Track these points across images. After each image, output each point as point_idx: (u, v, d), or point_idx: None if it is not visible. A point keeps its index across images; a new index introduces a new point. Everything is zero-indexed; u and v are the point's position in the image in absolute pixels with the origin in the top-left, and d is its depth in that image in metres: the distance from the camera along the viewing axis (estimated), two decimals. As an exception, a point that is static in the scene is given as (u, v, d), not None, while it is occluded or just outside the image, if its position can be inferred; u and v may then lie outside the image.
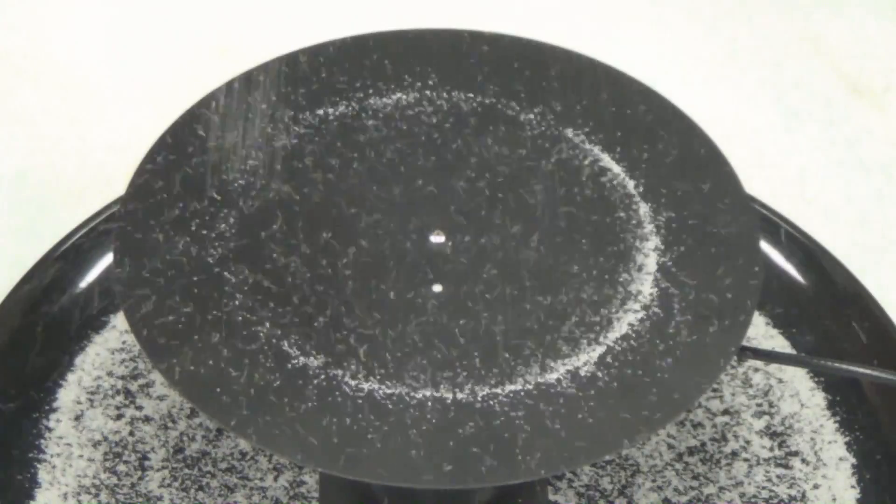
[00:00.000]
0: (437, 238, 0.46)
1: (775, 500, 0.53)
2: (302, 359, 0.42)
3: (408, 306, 0.44)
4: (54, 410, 0.55)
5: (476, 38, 0.54)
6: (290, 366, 0.41)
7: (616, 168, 0.49)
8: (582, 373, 0.42)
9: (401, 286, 0.44)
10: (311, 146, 0.49)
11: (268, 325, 0.43)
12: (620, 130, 0.50)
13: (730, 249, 0.46)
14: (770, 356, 0.53)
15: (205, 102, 0.50)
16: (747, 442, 0.55)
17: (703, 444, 0.55)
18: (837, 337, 0.59)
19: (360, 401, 0.41)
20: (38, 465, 0.53)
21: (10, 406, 0.54)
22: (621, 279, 0.45)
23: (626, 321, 0.43)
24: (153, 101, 0.73)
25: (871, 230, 0.67)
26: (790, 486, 0.54)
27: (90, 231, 0.60)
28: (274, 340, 0.42)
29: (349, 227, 0.46)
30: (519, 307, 0.44)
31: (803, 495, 0.53)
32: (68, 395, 0.56)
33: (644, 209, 0.47)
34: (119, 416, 0.55)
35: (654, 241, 0.46)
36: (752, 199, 0.49)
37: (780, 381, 0.58)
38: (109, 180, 0.67)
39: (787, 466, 0.54)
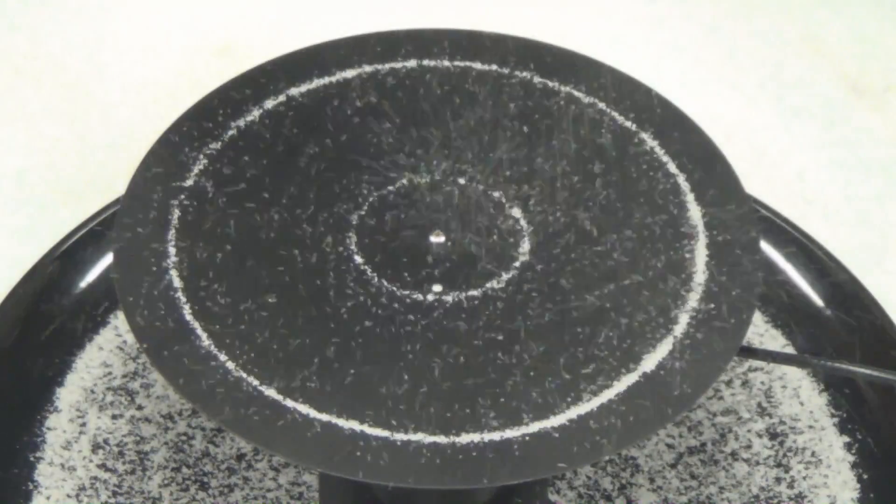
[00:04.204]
0: (437, 238, 0.46)
1: (775, 501, 0.53)
2: (300, 360, 0.42)
3: (409, 307, 0.44)
4: (54, 410, 0.55)
5: (472, 37, 0.54)
6: (288, 367, 0.41)
7: (618, 168, 0.49)
8: (582, 373, 0.42)
9: (401, 286, 0.44)
10: (310, 144, 0.49)
11: (266, 325, 0.43)
12: (622, 130, 0.50)
13: (730, 250, 0.46)
14: (770, 356, 0.53)
15: (204, 102, 0.50)
16: (747, 442, 0.55)
17: (703, 445, 0.55)
18: (837, 337, 0.59)
19: (360, 401, 0.41)
20: (38, 465, 0.53)
21: (11, 406, 0.54)
22: (621, 282, 0.45)
23: (627, 322, 0.43)
24: (153, 101, 0.73)
25: (871, 230, 0.67)
26: (790, 487, 0.54)
27: (90, 231, 0.60)
28: (272, 342, 0.42)
29: (349, 225, 0.46)
30: (521, 311, 0.44)
31: (803, 495, 0.53)
32: (68, 395, 0.56)
33: (644, 208, 0.47)
34: (119, 416, 0.55)
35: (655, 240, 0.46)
36: (752, 199, 0.49)
37: (780, 381, 0.58)
38: (109, 180, 0.67)
39: (787, 466, 0.54)
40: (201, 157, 0.48)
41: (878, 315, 0.58)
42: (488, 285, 0.44)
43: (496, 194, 0.48)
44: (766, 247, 0.61)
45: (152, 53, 0.77)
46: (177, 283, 0.44)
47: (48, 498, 0.52)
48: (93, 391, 0.56)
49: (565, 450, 0.39)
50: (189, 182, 0.47)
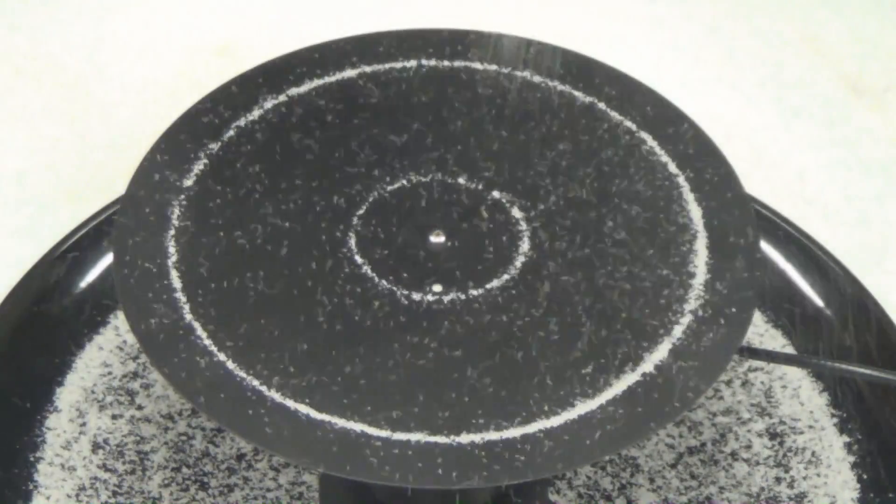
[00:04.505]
0: (437, 238, 0.46)
1: (775, 501, 0.53)
2: (300, 360, 0.42)
3: (409, 307, 0.44)
4: (54, 410, 0.55)
5: (472, 37, 0.54)
6: (289, 367, 0.41)
7: (618, 168, 0.49)
8: (582, 373, 0.42)
9: (401, 286, 0.44)
10: (310, 144, 0.49)
11: (266, 325, 0.43)
12: (622, 130, 0.50)
13: (730, 250, 0.46)
14: (770, 356, 0.53)
15: (204, 102, 0.50)
16: (747, 442, 0.55)
17: (703, 445, 0.55)
18: (837, 337, 0.59)
19: (360, 401, 0.41)
20: (38, 465, 0.53)
21: (11, 406, 0.54)
22: (622, 282, 0.45)
23: (627, 322, 0.43)
24: (153, 101, 0.73)
25: (871, 230, 0.67)
26: (790, 486, 0.54)
27: (90, 231, 0.60)
28: (272, 342, 0.42)
29: (349, 225, 0.46)
30: (520, 311, 0.44)
31: (803, 495, 0.53)
32: (68, 395, 0.56)
33: (644, 208, 0.47)
34: (119, 416, 0.55)
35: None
36: (752, 199, 0.49)
37: (781, 381, 0.58)
38: (109, 180, 0.67)
39: (787, 466, 0.54)
40: (201, 157, 0.48)
41: (878, 315, 0.58)
42: (488, 285, 0.44)
43: (496, 194, 0.48)
44: (766, 247, 0.61)
45: (152, 53, 0.77)
46: (177, 283, 0.44)
47: (48, 498, 0.52)
48: (93, 391, 0.56)
49: (565, 450, 0.39)
50: (189, 182, 0.47)
